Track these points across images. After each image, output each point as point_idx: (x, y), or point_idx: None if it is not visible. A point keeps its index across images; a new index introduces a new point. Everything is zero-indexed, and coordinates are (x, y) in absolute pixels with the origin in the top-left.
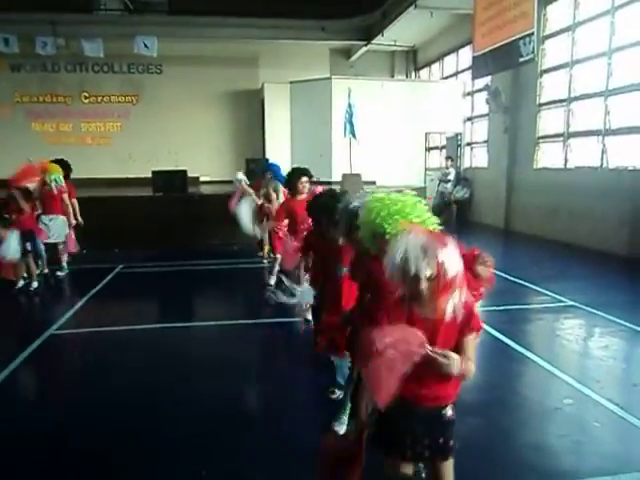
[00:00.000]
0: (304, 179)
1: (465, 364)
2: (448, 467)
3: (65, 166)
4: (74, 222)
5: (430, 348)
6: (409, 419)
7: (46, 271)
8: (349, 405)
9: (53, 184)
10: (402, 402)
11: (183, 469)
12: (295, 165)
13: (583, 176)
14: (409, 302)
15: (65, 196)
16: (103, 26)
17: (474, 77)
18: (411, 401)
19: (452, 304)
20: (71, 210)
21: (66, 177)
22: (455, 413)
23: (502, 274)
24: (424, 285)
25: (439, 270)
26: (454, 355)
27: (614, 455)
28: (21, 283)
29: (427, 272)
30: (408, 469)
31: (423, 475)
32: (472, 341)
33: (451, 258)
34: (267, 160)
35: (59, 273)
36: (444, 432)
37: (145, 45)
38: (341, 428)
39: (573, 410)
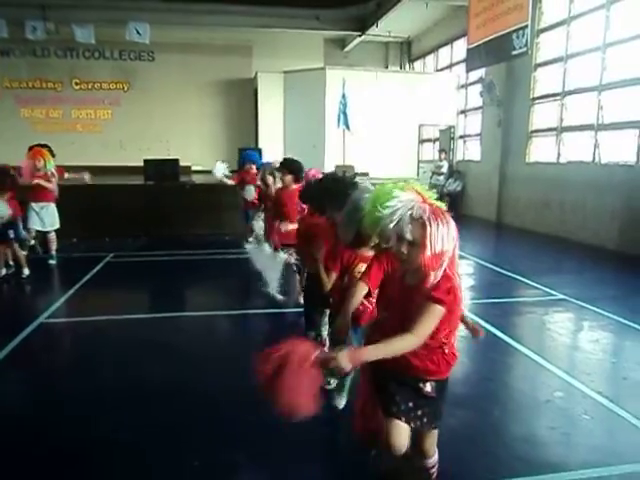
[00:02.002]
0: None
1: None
2: (429, 437)
3: (49, 151)
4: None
5: (316, 354)
6: (393, 383)
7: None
8: (347, 384)
9: (49, 171)
10: (385, 371)
11: (174, 459)
12: (288, 155)
13: (575, 170)
14: (402, 272)
15: (54, 181)
16: (94, 11)
17: (468, 69)
18: (390, 369)
19: (433, 278)
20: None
21: None
22: (436, 392)
23: (493, 267)
24: (404, 248)
25: (423, 239)
26: (337, 354)
27: (603, 447)
28: (3, 272)
29: (409, 235)
30: (399, 431)
31: None
32: (427, 311)
33: (442, 234)
34: (260, 150)
35: (51, 262)
36: (423, 406)
37: (137, 32)
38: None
39: (563, 403)
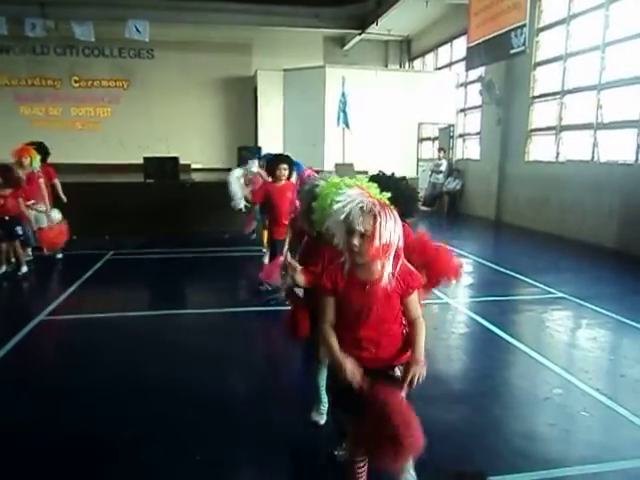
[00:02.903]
0: (283, 166)
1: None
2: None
3: (43, 149)
4: (48, 207)
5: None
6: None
7: (29, 258)
8: (324, 395)
9: (35, 169)
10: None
11: (176, 454)
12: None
13: (574, 169)
14: (350, 266)
15: (41, 181)
16: (94, 8)
17: (468, 68)
18: (361, 364)
19: (387, 270)
20: (46, 194)
21: (43, 160)
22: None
23: (493, 265)
24: (356, 240)
25: (374, 230)
26: (417, 368)
27: (601, 444)
28: (3, 268)
29: (360, 227)
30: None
31: None
32: (414, 300)
33: (390, 226)
34: (259, 149)
35: (58, 256)
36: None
37: (137, 29)
38: (321, 418)
39: (562, 400)
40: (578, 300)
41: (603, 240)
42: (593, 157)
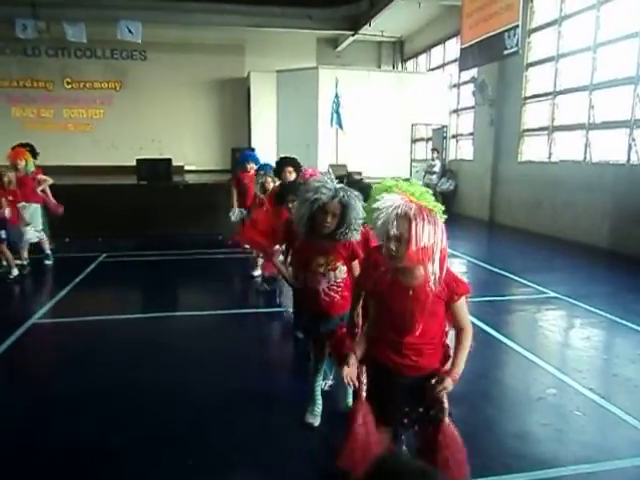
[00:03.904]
0: (289, 169)
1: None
2: (437, 433)
3: (31, 151)
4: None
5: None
6: (391, 388)
7: (25, 262)
8: (318, 397)
9: (29, 171)
10: (385, 372)
11: (168, 459)
12: (282, 155)
13: (567, 170)
14: (393, 270)
15: (40, 176)
16: (86, 10)
17: (461, 69)
18: (393, 370)
19: (431, 274)
20: (49, 193)
21: None
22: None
23: (486, 266)
24: (393, 245)
25: (410, 234)
26: (446, 382)
27: (595, 443)
28: None
29: (396, 232)
30: (387, 434)
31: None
32: (462, 306)
33: (428, 229)
34: (251, 149)
35: (47, 262)
36: (425, 402)
37: (129, 30)
38: (315, 420)
39: (555, 399)
40: (571, 300)
41: (596, 240)
42: (585, 157)
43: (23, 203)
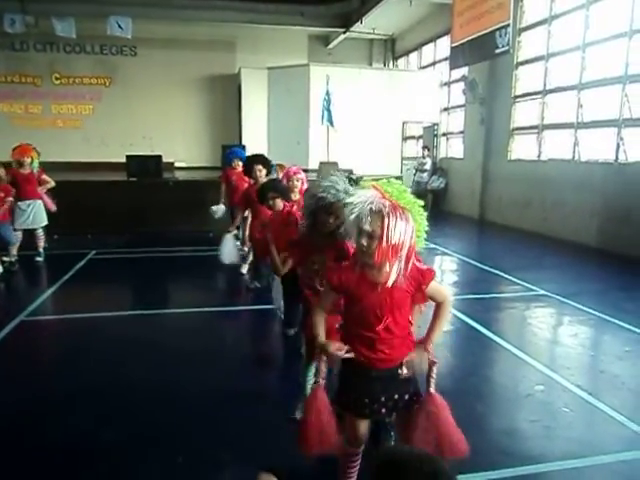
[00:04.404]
0: (259, 167)
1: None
2: (409, 417)
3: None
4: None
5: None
6: (365, 381)
7: (13, 258)
8: (308, 392)
9: (35, 168)
10: (358, 366)
11: (158, 456)
12: (274, 151)
13: (556, 168)
14: (361, 265)
15: (44, 176)
16: (75, 4)
17: (452, 67)
18: (366, 364)
19: (396, 271)
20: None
21: None
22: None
23: (476, 264)
24: (364, 240)
25: (382, 231)
26: (420, 356)
27: (582, 439)
28: None
29: (367, 227)
30: (364, 426)
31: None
32: (435, 287)
33: (400, 227)
34: (241, 146)
35: (38, 259)
36: (399, 389)
37: (119, 26)
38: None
39: (544, 396)
40: (560, 297)
41: (585, 238)
42: (574, 156)
43: (28, 201)
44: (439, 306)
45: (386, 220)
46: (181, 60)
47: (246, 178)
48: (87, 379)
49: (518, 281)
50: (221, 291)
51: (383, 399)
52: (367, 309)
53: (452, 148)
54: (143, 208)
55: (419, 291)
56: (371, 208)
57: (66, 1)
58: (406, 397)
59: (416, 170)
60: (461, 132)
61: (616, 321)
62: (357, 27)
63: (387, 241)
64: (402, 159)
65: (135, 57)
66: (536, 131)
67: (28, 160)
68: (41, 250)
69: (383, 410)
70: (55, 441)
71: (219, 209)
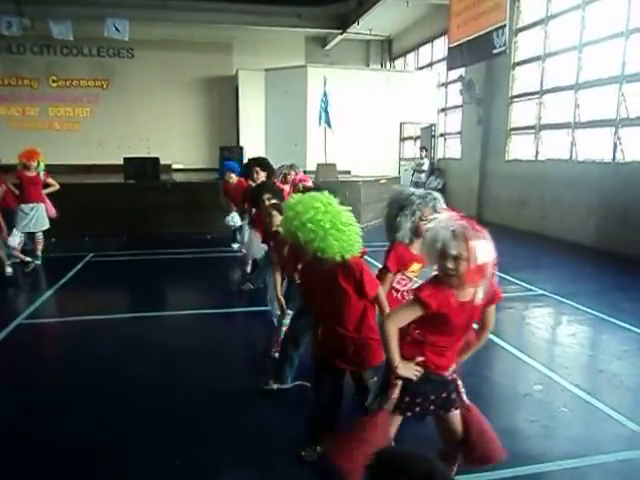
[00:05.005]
0: (257, 169)
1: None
2: (455, 417)
3: None
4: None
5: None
6: (422, 384)
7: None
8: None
9: (41, 171)
10: (426, 378)
11: (156, 458)
12: (271, 153)
13: (553, 168)
14: (448, 285)
15: (50, 180)
16: (72, 7)
17: (449, 68)
18: (429, 370)
19: (483, 289)
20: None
21: None
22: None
23: None
24: (450, 264)
25: (469, 254)
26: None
27: (581, 439)
28: None
29: (453, 251)
30: (396, 427)
31: None
32: (492, 311)
33: (482, 247)
34: (241, 149)
35: (36, 262)
36: (446, 388)
37: (116, 28)
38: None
39: (542, 396)
40: (558, 297)
41: (582, 238)
42: (571, 156)
43: (31, 204)
44: (483, 330)
45: (471, 242)
46: (178, 62)
47: (242, 185)
48: (85, 381)
49: (516, 281)
50: (218, 293)
51: (432, 397)
52: (452, 326)
53: (450, 148)
54: (141, 210)
55: (487, 307)
56: (454, 232)
57: (63, 4)
58: (452, 396)
59: (414, 171)
60: (458, 132)
61: (614, 320)
62: (354, 28)
63: (475, 262)
64: (400, 160)
65: (132, 59)
66: (533, 131)
67: (34, 164)
68: (39, 253)
69: (432, 407)
70: (54, 443)
71: (233, 218)
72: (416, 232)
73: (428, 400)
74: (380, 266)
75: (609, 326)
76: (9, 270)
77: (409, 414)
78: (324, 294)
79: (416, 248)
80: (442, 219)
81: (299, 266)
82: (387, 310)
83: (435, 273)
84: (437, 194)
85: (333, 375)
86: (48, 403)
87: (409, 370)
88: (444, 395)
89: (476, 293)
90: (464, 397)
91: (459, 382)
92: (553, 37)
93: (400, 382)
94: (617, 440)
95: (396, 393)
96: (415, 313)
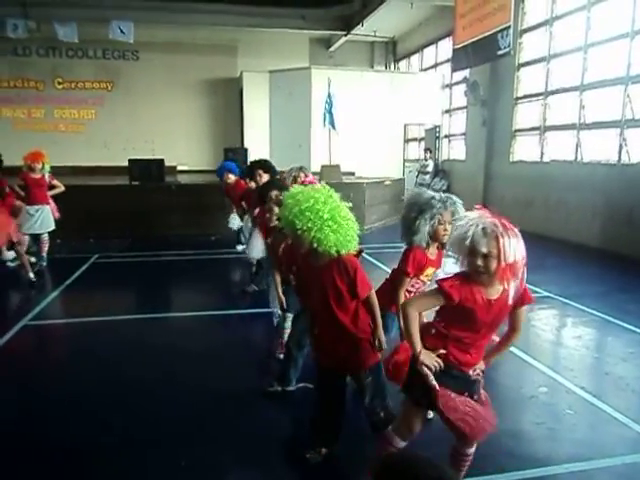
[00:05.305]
0: (259, 171)
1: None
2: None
3: None
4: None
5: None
6: (444, 377)
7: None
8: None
9: (46, 173)
10: (449, 373)
11: (160, 459)
12: (275, 154)
13: (558, 169)
14: (475, 282)
15: (56, 182)
16: (77, 9)
17: (454, 69)
18: (451, 364)
19: (514, 288)
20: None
21: None
22: (480, 374)
23: None
24: (480, 261)
25: (499, 252)
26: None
27: (587, 441)
28: None
29: (483, 249)
30: (421, 421)
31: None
32: (522, 313)
33: (513, 245)
34: (246, 150)
35: (42, 263)
36: (468, 388)
37: (121, 30)
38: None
39: (548, 398)
40: (563, 299)
41: (587, 239)
42: (577, 157)
43: (37, 206)
44: (514, 332)
45: (501, 240)
46: (183, 64)
47: (241, 185)
48: (89, 383)
49: None
50: (223, 294)
51: (467, 394)
52: (478, 322)
53: (454, 150)
54: (146, 212)
55: (517, 307)
56: (484, 229)
57: (68, 6)
58: (475, 397)
59: (418, 172)
60: (463, 134)
61: (619, 322)
62: (358, 30)
63: (505, 260)
64: (404, 161)
65: (137, 61)
66: (538, 132)
67: (39, 166)
68: (44, 255)
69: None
70: (57, 444)
71: (234, 219)
72: (433, 236)
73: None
74: (388, 269)
75: (614, 328)
76: (31, 275)
77: (435, 408)
78: (318, 292)
79: (432, 253)
80: (473, 216)
81: (294, 268)
82: (378, 312)
83: (462, 269)
84: (457, 198)
85: (334, 377)
86: (52, 404)
87: (431, 359)
88: (466, 395)
89: (506, 292)
90: (481, 392)
91: (482, 381)
92: (558, 38)
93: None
94: (623, 443)
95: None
96: (436, 301)
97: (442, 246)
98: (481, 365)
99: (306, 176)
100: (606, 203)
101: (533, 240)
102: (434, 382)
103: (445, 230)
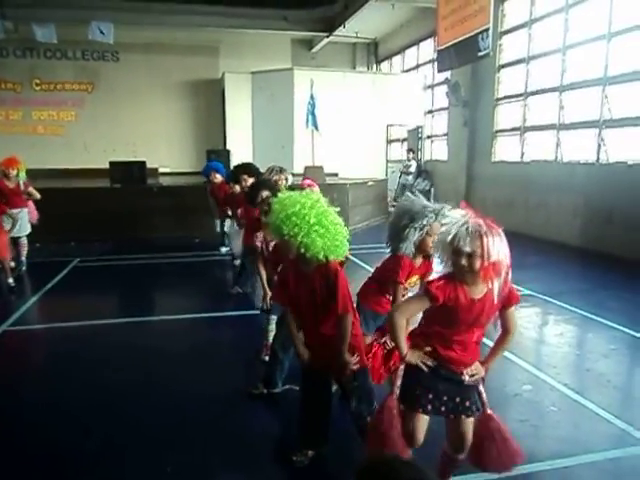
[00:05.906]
0: (244, 176)
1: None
2: (466, 424)
3: None
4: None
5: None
6: (433, 378)
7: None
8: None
9: (21, 180)
10: (438, 373)
11: (146, 466)
12: (259, 156)
13: (538, 169)
14: (459, 281)
15: (31, 189)
16: (55, 10)
17: (439, 70)
18: (439, 363)
19: (497, 287)
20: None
21: None
22: (478, 380)
23: None
24: (464, 260)
25: (482, 251)
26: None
27: (570, 438)
28: None
29: (467, 248)
30: (423, 425)
31: None
32: (511, 314)
33: (496, 244)
34: (228, 152)
35: (22, 267)
36: (461, 393)
37: (101, 31)
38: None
39: (531, 396)
40: (545, 297)
41: (567, 238)
42: (556, 157)
43: (17, 209)
44: (506, 334)
45: (485, 239)
46: (164, 65)
47: (224, 188)
48: (71, 388)
49: None
50: (207, 297)
51: (445, 398)
52: (458, 321)
53: (436, 150)
54: (127, 214)
55: (504, 308)
56: (468, 229)
57: (46, 7)
58: (467, 403)
59: (401, 173)
60: (445, 134)
61: (601, 320)
62: (340, 31)
63: (487, 259)
64: (387, 162)
65: (117, 62)
66: (518, 133)
67: (14, 172)
68: (23, 259)
69: (443, 408)
70: (39, 450)
71: (217, 224)
72: (420, 246)
73: (440, 400)
74: (372, 270)
75: (596, 325)
76: (10, 280)
77: (421, 410)
78: (305, 297)
79: (417, 261)
80: (456, 216)
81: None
82: (346, 337)
83: (446, 270)
84: (448, 208)
85: (319, 379)
86: (33, 410)
87: (417, 357)
88: (457, 400)
89: (490, 291)
90: (487, 407)
91: (482, 390)
92: (537, 40)
93: (403, 367)
94: (606, 438)
95: (399, 380)
96: (423, 305)
97: (427, 257)
98: (479, 371)
99: (303, 179)
100: (586, 202)
101: (514, 239)
102: (428, 363)
103: (433, 242)
